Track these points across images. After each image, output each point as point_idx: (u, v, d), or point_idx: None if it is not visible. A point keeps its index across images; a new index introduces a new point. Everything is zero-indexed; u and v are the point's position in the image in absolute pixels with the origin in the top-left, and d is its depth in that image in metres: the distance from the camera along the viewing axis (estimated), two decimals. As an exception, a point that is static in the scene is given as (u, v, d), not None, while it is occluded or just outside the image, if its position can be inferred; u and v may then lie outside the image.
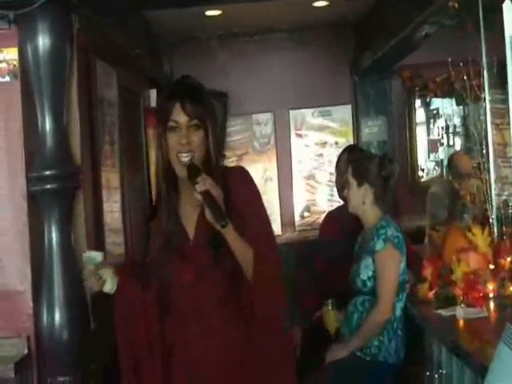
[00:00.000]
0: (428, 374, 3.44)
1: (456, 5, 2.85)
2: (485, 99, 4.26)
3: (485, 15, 4.04)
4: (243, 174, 2.50)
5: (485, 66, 4.21)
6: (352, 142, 6.81)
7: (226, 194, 2.33)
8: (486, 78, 4.22)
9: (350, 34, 6.78)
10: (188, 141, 2.33)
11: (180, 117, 2.33)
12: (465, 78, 4.42)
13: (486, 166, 4.40)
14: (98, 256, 2.42)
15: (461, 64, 4.44)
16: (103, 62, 4.01)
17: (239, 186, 2.43)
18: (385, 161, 3.61)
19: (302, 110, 6.88)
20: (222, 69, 6.60)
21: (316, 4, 5.85)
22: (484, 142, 4.33)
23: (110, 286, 2.42)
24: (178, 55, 6.63)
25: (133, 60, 4.78)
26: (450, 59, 4.71)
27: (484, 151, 4.32)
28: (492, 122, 4.26)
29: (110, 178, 3.97)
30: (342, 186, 4.08)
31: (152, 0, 4.50)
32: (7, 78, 3.13)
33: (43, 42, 3.09)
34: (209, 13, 5.81)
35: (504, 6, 3.08)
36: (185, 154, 2.33)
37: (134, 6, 4.10)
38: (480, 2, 3.88)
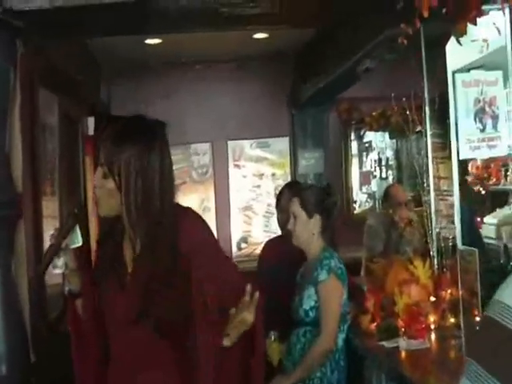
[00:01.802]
0: (368, 405, 3.48)
1: (405, 41, 2.91)
2: (425, 133, 4.35)
3: (427, 50, 4.15)
4: (190, 220, 2.35)
5: (426, 101, 4.31)
6: (289, 174, 6.88)
7: (165, 249, 2.23)
8: (427, 113, 4.31)
9: (290, 66, 6.85)
10: (95, 187, 2.26)
11: (100, 157, 2.24)
12: (407, 112, 4.51)
13: (425, 198, 4.48)
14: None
15: (403, 99, 4.53)
16: (46, 88, 3.94)
17: (187, 236, 2.29)
18: (330, 191, 3.66)
19: (241, 141, 6.93)
20: (162, 97, 6.60)
21: (256, 36, 5.90)
22: (425, 176, 4.40)
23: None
24: (117, 82, 6.59)
25: (74, 86, 4.71)
26: (392, 94, 4.81)
27: (425, 184, 4.39)
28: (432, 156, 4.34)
29: (50, 206, 3.88)
30: (284, 222, 4.09)
31: (94, 27, 4.45)
32: None
33: (-15, 65, 3.02)
34: (149, 41, 5.80)
35: (448, 43, 3.18)
36: (97, 200, 2.29)
37: (77, 33, 4.05)
38: (422, 37, 3.97)
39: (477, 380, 1.27)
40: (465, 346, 3.01)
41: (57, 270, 2.31)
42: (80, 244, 2.33)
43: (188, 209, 2.39)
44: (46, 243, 3.61)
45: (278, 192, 4.59)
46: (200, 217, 2.41)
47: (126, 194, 2.20)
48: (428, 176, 4.30)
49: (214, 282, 2.31)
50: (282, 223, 4.23)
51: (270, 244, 4.62)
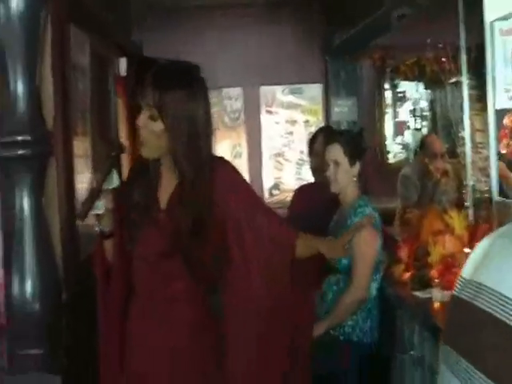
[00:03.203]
0: (399, 355, 3.45)
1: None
2: (461, 83, 4.23)
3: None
4: (226, 168, 2.43)
5: (463, 50, 4.18)
6: (322, 121, 6.79)
7: (203, 195, 2.30)
8: (463, 62, 4.19)
9: (323, 11, 6.71)
10: (141, 129, 2.27)
11: (139, 102, 2.26)
12: (443, 60, 4.39)
13: (459, 150, 4.40)
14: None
15: (438, 47, 4.41)
16: (76, 27, 3.88)
17: (225, 182, 2.37)
18: (364, 137, 3.60)
19: (273, 87, 6.83)
20: (193, 41, 6.49)
21: (290, -21, 5.78)
22: (460, 127, 4.31)
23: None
24: (148, 24, 6.48)
25: (106, 26, 4.64)
26: (428, 41, 4.67)
27: (460, 135, 4.30)
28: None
29: (82, 146, 3.85)
30: (318, 167, 4.04)
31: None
32: (-21, 40, 2.98)
33: (17, 2, 2.95)
34: (182, -17, 5.69)
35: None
36: (141, 143, 2.30)
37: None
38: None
39: (452, 364, 1.23)
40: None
41: (96, 211, 2.30)
42: (116, 185, 2.33)
43: (221, 158, 2.46)
44: (78, 183, 3.61)
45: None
46: (233, 166, 2.47)
47: (175, 136, 2.25)
48: (463, 127, 4.21)
49: (251, 229, 2.36)
50: (316, 168, 4.17)
51: (302, 190, 4.58)
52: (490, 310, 1.15)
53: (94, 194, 2.27)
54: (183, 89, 2.26)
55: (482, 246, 1.29)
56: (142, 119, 2.26)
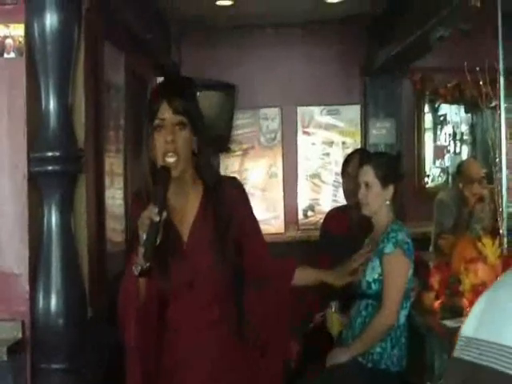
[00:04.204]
0: (428, 384, 3.38)
1: (478, 3, 2.74)
2: (499, 106, 4.16)
3: (504, 20, 3.95)
4: (240, 188, 2.51)
5: (501, 73, 4.11)
6: (359, 143, 6.74)
7: (224, 201, 2.37)
8: (501, 85, 4.12)
9: (363, 32, 6.68)
10: (173, 139, 2.25)
11: (166, 114, 2.27)
12: (480, 83, 4.31)
13: (497, 175, 4.31)
14: None
15: (476, 69, 4.34)
16: (112, 45, 3.91)
17: (239, 196, 2.46)
18: (402, 160, 3.56)
19: (311, 108, 6.78)
20: (232, 60, 6.51)
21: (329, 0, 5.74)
22: (497, 152, 4.23)
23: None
24: (187, 44, 6.53)
25: (142, 45, 4.67)
26: (465, 63, 4.61)
27: (497, 160, 4.22)
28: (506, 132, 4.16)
29: (114, 164, 3.87)
30: (351, 190, 4.00)
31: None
32: (12, 55, 3.02)
33: (51, 18, 2.99)
34: (220, 2, 5.70)
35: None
36: (170, 154, 2.25)
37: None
38: (499, 5, 3.78)
39: None
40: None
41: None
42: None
43: (235, 178, 2.60)
44: (108, 200, 3.62)
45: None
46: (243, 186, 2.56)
47: (202, 141, 2.34)
48: (500, 152, 4.12)
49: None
50: (349, 191, 4.13)
51: (334, 213, 4.53)
52: (493, 365, 1.12)
53: (155, 228, 2.11)
54: (195, 98, 2.42)
55: (479, 302, 1.27)
56: (174, 131, 2.26)
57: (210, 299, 2.39)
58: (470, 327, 1.22)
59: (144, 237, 2.11)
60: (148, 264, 2.10)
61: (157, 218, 2.10)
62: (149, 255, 2.09)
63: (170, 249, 2.30)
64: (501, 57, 3.98)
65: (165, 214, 2.14)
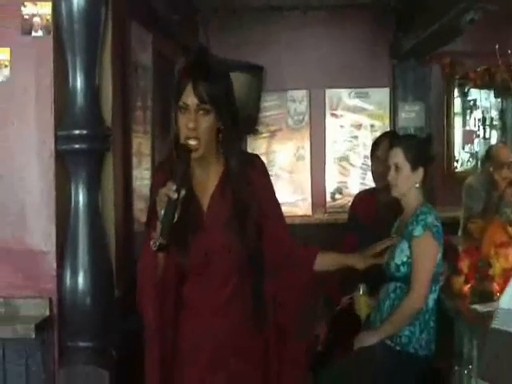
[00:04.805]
0: (457, 368, 3.34)
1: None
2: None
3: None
4: (263, 166, 2.47)
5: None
6: (388, 126, 6.69)
7: (245, 183, 2.34)
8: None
9: (392, 15, 6.61)
10: (195, 126, 2.23)
11: (189, 99, 2.23)
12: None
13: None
14: None
15: (509, 53, 4.27)
16: (139, 25, 3.89)
17: (260, 178, 2.42)
18: (431, 142, 3.51)
19: (339, 90, 6.73)
20: (260, 42, 6.48)
21: (358, -18, 5.71)
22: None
23: None
24: (214, 26, 6.52)
25: (169, 26, 4.65)
26: (497, 46, 4.53)
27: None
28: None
29: (142, 144, 3.86)
30: (379, 173, 3.97)
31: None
32: (40, 33, 3.01)
33: (77, -3, 2.97)
34: (248, -16, 5.67)
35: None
36: (192, 140, 2.24)
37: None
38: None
39: None
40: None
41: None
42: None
43: (258, 156, 2.52)
44: (135, 180, 3.61)
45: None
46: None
47: (225, 122, 2.29)
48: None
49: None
50: (378, 174, 4.09)
51: (362, 196, 4.50)
52: None
53: (173, 205, 2.12)
54: (226, 82, 2.33)
55: None
56: (197, 118, 2.24)
57: (225, 278, 2.36)
58: (507, 299, 1.21)
59: (162, 213, 2.11)
60: (165, 240, 2.10)
61: (175, 196, 2.10)
62: (166, 232, 2.09)
63: (189, 223, 2.28)
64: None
65: (183, 191, 2.13)
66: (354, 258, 2.63)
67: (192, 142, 2.24)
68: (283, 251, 2.44)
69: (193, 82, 2.23)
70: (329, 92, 6.72)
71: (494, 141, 7.27)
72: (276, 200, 2.47)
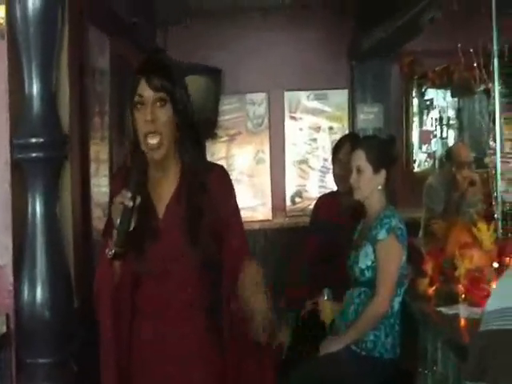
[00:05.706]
0: (421, 370, 3.34)
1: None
2: (493, 89, 4.11)
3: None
4: (225, 176, 2.41)
5: (495, 54, 4.05)
6: (347, 128, 6.70)
7: (201, 188, 2.29)
8: (495, 67, 4.07)
9: (350, 15, 6.58)
10: (153, 118, 2.20)
11: (145, 91, 2.21)
12: (474, 65, 4.27)
13: (487, 160, 4.28)
14: None
15: (470, 52, 4.29)
16: (96, 29, 3.81)
17: (221, 187, 2.36)
18: (394, 143, 3.50)
19: (298, 92, 6.71)
20: (218, 45, 6.41)
21: (314, -17, 5.69)
22: (488, 136, 4.20)
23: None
24: (172, 28, 6.42)
25: (128, 29, 4.57)
26: (459, 45, 4.55)
27: (488, 145, 4.19)
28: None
29: (99, 150, 3.78)
30: (341, 176, 3.94)
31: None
32: (-7, 37, 2.91)
33: (33, 0, 2.88)
34: (206, -15, 5.61)
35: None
36: (151, 135, 2.21)
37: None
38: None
39: None
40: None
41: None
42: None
43: (221, 166, 2.48)
44: (93, 187, 3.53)
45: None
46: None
47: (184, 119, 2.26)
48: (492, 137, 4.09)
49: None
50: (340, 177, 4.07)
51: (324, 199, 4.48)
52: None
53: (128, 213, 2.11)
54: (182, 76, 2.34)
55: (499, 282, 1.26)
56: (153, 111, 2.21)
57: (182, 285, 2.32)
58: (493, 302, 1.22)
59: (118, 221, 2.10)
60: (121, 249, 2.11)
61: (130, 204, 2.10)
62: (121, 240, 2.10)
63: (145, 230, 2.25)
64: (495, 39, 3.93)
65: (138, 199, 2.12)
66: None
67: (153, 141, 2.21)
68: (239, 264, 2.34)
69: (147, 76, 2.22)
70: (288, 94, 6.69)
71: (451, 140, 7.33)
72: (237, 211, 2.41)
